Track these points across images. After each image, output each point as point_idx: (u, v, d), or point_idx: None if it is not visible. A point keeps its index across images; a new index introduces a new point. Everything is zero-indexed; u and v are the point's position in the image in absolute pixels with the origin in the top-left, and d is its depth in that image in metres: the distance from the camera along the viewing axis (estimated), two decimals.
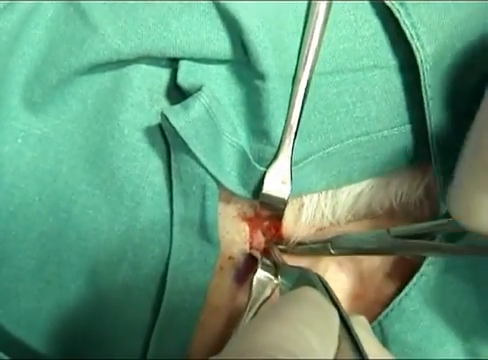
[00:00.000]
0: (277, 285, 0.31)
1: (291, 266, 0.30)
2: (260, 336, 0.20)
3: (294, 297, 0.23)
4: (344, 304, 0.32)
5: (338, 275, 0.32)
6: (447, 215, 0.30)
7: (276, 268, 0.31)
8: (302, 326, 0.20)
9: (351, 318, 0.23)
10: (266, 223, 0.33)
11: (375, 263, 0.32)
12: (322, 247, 0.31)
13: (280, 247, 0.33)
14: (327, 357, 0.20)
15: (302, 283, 0.26)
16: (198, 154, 0.29)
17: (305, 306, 0.22)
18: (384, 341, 0.32)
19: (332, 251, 0.31)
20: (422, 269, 0.31)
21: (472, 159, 0.25)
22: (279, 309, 0.22)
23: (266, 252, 0.34)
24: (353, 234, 0.31)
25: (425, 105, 0.30)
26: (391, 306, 0.31)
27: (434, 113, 0.30)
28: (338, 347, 0.21)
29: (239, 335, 0.21)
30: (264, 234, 0.33)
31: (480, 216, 0.24)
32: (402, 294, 0.31)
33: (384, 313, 0.31)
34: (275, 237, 0.34)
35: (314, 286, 0.25)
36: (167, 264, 0.31)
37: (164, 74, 0.30)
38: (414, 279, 0.30)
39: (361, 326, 0.25)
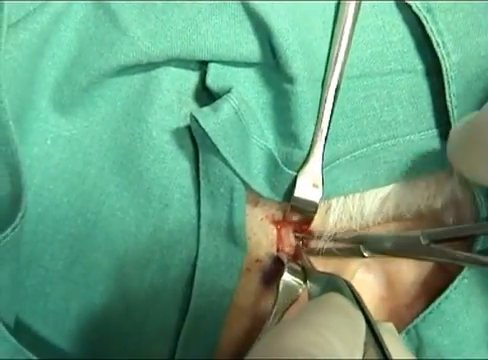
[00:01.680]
0: (303, 289, 0.31)
1: (320, 272, 0.30)
2: (284, 340, 0.20)
3: (320, 303, 0.23)
4: (372, 306, 0.32)
5: (366, 277, 0.32)
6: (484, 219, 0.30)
7: (304, 272, 0.31)
8: (327, 331, 0.20)
9: (379, 325, 0.23)
10: (294, 226, 0.33)
11: (404, 266, 0.32)
12: (355, 250, 0.31)
13: (311, 246, 0.33)
14: None
15: (330, 288, 0.26)
16: (226, 156, 0.29)
17: (330, 312, 0.22)
18: (419, 345, 0.31)
19: (364, 254, 0.31)
20: (463, 272, 0.31)
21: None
22: (304, 314, 0.22)
23: (294, 255, 0.34)
24: (386, 236, 0.31)
25: (450, 113, 0.30)
26: (429, 309, 0.31)
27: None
28: (364, 353, 0.21)
29: (264, 338, 0.21)
30: (293, 237, 0.33)
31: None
32: (442, 297, 0.30)
33: (422, 316, 0.31)
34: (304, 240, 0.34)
35: (342, 292, 0.25)
36: (194, 266, 0.31)
37: (193, 77, 0.31)
38: (455, 282, 0.30)
39: (389, 332, 0.25)
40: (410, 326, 0.31)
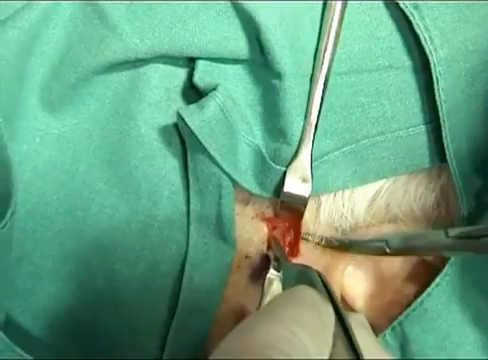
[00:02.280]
0: None
1: (292, 263, 0.30)
2: (254, 335, 0.20)
3: (289, 296, 0.23)
4: (362, 303, 0.32)
5: (357, 274, 0.32)
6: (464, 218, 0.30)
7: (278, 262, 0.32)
8: (296, 326, 0.20)
9: (349, 316, 0.23)
10: (285, 223, 0.33)
11: (395, 264, 0.32)
12: (378, 246, 0.31)
13: (334, 243, 0.32)
14: (322, 357, 0.20)
15: (302, 280, 0.26)
16: (213, 153, 0.29)
17: (299, 305, 0.22)
18: (404, 341, 0.31)
19: (387, 250, 0.30)
20: (445, 269, 0.31)
21: None
22: (274, 308, 0.22)
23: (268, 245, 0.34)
24: (410, 233, 0.31)
25: (439, 108, 0.30)
26: (413, 306, 0.31)
27: (449, 116, 0.30)
28: (333, 345, 0.21)
29: (234, 333, 0.21)
30: (283, 235, 0.33)
31: None
32: (424, 294, 0.31)
33: (405, 313, 0.31)
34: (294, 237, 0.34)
35: (313, 284, 0.25)
36: (184, 262, 0.31)
37: (181, 74, 0.31)
38: (437, 279, 0.30)
39: (359, 324, 0.25)
40: (395, 323, 0.31)
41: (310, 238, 0.33)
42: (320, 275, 0.25)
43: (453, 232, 0.28)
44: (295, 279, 0.27)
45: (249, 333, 0.20)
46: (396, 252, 0.30)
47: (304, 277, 0.26)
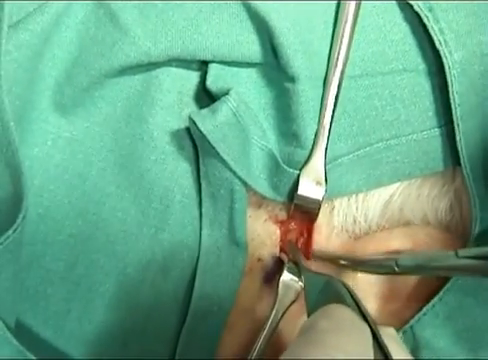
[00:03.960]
0: (302, 288, 0.31)
1: (316, 272, 0.30)
2: None
3: (329, 319, 0.23)
4: (373, 307, 0.32)
5: (368, 278, 0.32)
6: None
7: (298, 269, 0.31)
8: (340, 355, 0.21)
9: (381, 330, 0.23)
10: (298, 226, 0.33)
11: None
12: (387, 265, 0.30)
13: (342, 263, 0.32)
14: None
15: (328, 292, 0.26)
16: (226, 158, 0.29)
17: (342, 330, 0.22)
18: (416, 346, 0.31)
19: (396, 269, 0.30)
20: None
21: None
22: (317, 334, 0.22)
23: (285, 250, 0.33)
24: (419, 253, 0.31)
25: (453, 112, 0.29)
26: (424, 310, 0.31)
27: (463, 120, 0.30)
28: None
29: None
30: (296, 238, 0.33)
31: None
32: (436, 299, 0.30)
33: (416, 317, 0.31)
34: (306, 241, 0.33)
35: (342, 297, 0.25)
36: (195, 267, 0.31)
37: (194, 77, 0.31)
38: (449, 284, 0.30)
39: (392, 338, 0.25)
40: (407, 327, 0.31)
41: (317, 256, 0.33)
42: (347, 288, 0.25)
43: (463, 253, 0.28)
44: (321, 290, 0.27)
45: None
46: (405, 271, 0.30)
47: (331, 289, 0.26)
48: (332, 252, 0.33)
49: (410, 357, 0.25)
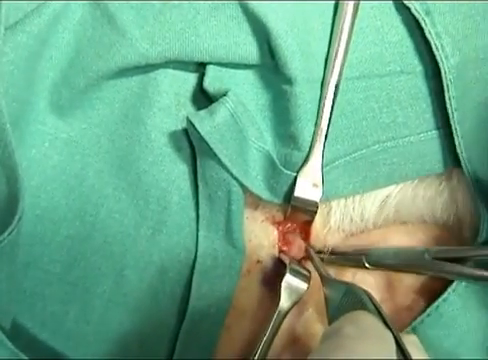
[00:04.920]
0: (305, 290, 0.31)
1: (336, 279, 0.30)
2: None
3: (354, 325, 0.24)
4: None
5: (366, 279, 0.32)
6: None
7: (307, 274, 0.32)
8: None
9: (403, 337, 0.24)
10: (295, 227, 0.33)
11: None
12: (356, 259, 0.31)
13: (320, 256, 0.33)
14: None
15: (350, 299, 0.26)
16: (223, 159, 0.29)
17: (366, 337, 0.23)
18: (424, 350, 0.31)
19: (367, 265, 0.30)
20: None
21: None
22: (342, 340, 0.22)
23: (303, 258, 0.34)
24: (390, 249, 0.31)
25: (450, 116, 0.30)
26: (428, 311, 0.30)
27: (460, 123, 0.30)
28: None
29: None
30: (293, 239, 0.33)
31: None
32: (440, 300, 0.30)
33: (420, 319, 0.31)
34: (306, 241, 0.34)
35: (364, 304, 0.25)
36: (193, 269, 0.31)
37: (191, 79, 0.31)
38: (454, 285, 0.30)
39: (414, 346, 0.25)
40: (409, 328, 0.31)
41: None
42: (369, 295, 0.25)
43: (433, 252, 0.28)
44: (342, 297, 0.27)
45: None
46: (375, 267, 0.30)
47: (352, 296, 0.26)
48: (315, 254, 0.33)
49: None
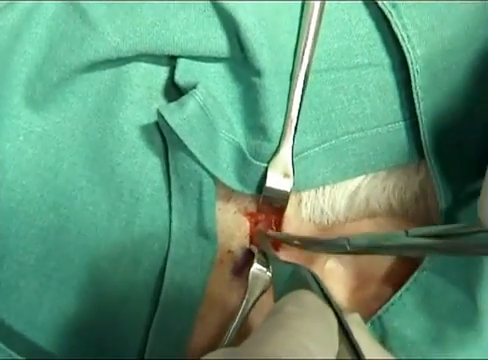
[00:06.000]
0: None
1: (283, 261, 0.31)
2: (267, 348, 0.20)
3: (296, 304, 0.24)
4: (342, 297, 0.33)
5: (337, 268, 0.33)
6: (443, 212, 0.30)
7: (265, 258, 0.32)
8: (307, 339, 0.21)
9: (346, 317, 0.24)
10: (268, 217, 0.34)
11: (375, 258, 0.32)
12: (339, 245, 0.31)
13: (295, 242, 0.33)
14: None
15: (295, 280, 0.26)
16: (194, 151, 0.29)
17: (308, 315, 0.23)
18: (383, 336, 0.32)
19: (348, 248, 0.31)
20: (423, 264, 0.31)
21: None
22: (283, 319, 0.22)
23: (255, 241, 0.34)
24: (371, 233, 0.31)
25: (416, 106, 0.30)
26: (391, 301, 0.31)
27: (426, 113, 0.30)
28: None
29: (245, 345, 0.21)
30: (265, 229, 0.34)
31: None
32: (403, 289, 0.31)
33: (384, 307, 0.31)
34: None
35: (309, 285, 0.25)
36: (166, 259, 0.31)
37: (163, 72, 0.31)
38: (415, 274, 0.31)
39: (356, 324, 0.25)
40: (374, 317, 0.31)
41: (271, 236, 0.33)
42: (314, 275, 0.26)
43: (413, 232, 0.28)
44: (288, 278, 0.27)
45: (261, 346, 0.21)
46: (357, 251, 0.30)
47: (297, 277, 0.26)
48: (285, 233, 0.33)
49: (374, 342, 0.26)
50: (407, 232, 0.28)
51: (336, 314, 0.23)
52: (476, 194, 0.28)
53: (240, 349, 0.21)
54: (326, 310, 0.23)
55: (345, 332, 0.23)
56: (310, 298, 0.24)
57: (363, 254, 0.31)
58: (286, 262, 0.30)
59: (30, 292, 0.31)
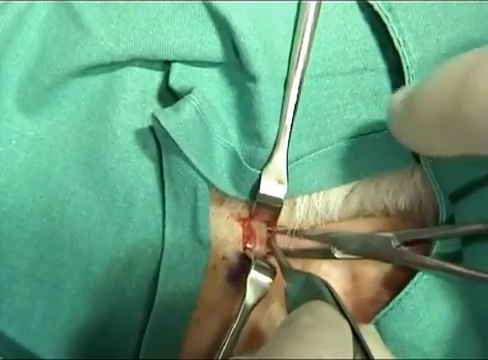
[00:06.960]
0: (270, 285, 0.31)
1: (296, 270, 0.31)
2: (279, 359, 0.21)
3: (310, 315, 0.24)
4: None
5: (332, 271, 0.33)
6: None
7: (272, 268, 0.32)
8: (320, 349, 0.21)
9: (360, 327, 0.24)
10: (260, 223, 0.34)
11: (369, 262, 0.32)
12: (326, 250, 0.31)
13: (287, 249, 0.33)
14: None
15: (308, 289, 0.27)
16: (189, 155, 0.29)
17: (322, 326, 0.23)
18: (381, 339, 0.32)
19: (336, 255, 0.31)
20: None
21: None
22: (298, 329, 0.22)
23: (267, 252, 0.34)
24: (357, 236, 0.32)
25: None
26: (391, 305, 0.31)
27: None
28: None
29: (259, 354, 0.22)
30: (258, 235, 0.34)
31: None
32: (402, 293, 0.31)
33: (383, 312, 0.31)
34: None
35: (322, 295, 0.25)
36: (159, 264, 0.31)
37: (157, 76, 0.31)
38: (415, 278, 0.30)
39: (370, 335, 0.26)
40: (372, 321, 0.31)
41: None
42: (327, 285, 0.26)
43: (400, 235, 0.29)
44: (301, 288, 0.27)
45: (275, 356, 0.21)
46: (343, 254, 0.31)
47: (310, 286, 0.26)
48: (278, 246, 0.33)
49: (389, 353, 0.26)
50: (394, 237, 0.28)
51: (350, 324, 0.24)
52: (475, 193, 0.28)
53: (254, 358, 0.21)
54: (341, 321, 0.24)
55: (359, 343, 0.23)
56: (324, 309, 0.24)
57: (350, 259, 0.32)
58: (299, 271, 0.30)
59: (22, 297, 0.31)
